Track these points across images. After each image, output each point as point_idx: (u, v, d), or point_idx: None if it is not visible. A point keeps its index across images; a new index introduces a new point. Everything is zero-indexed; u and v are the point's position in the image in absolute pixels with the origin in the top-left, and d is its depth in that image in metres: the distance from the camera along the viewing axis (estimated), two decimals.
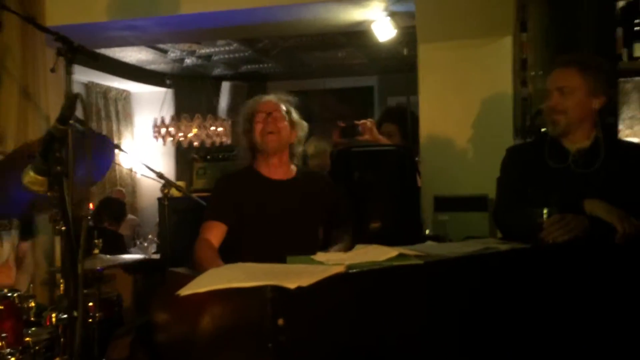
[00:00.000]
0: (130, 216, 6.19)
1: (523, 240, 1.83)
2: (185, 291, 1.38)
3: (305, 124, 2.44)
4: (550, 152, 2.09)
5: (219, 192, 2.37)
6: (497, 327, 1.59)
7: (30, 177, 1.29)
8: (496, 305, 1.59)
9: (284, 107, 2.38)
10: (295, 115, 2.41)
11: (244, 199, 2.28)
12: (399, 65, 5.31)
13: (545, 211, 1.89)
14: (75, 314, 1.09)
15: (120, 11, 3.48)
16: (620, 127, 4.25)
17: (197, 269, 2.03)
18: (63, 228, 1.45)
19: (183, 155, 7.04)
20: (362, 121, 3.11)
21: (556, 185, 2.00)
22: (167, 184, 2.73)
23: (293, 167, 2.42)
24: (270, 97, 2.41)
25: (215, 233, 2.23)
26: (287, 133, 2.34)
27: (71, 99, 1.28)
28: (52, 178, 1.26)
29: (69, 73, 1.85)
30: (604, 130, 2.09)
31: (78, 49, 1.84)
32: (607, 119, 2.46)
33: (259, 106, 2.36)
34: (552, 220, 1.87)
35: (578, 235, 1.84)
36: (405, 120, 3.28)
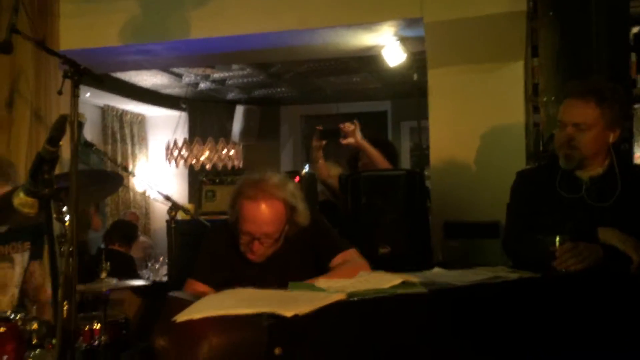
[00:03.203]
0: (142, 238, 6.20)
1: (534, 269, 1.77)
2: (181, 317, 1.35)
3: (308, 214, 2.04)
4: (562, 181, 2.03)
5: (209, 253, 2.11)
6: (505, 358, 1.53)
7: (21, 199, 1.28)
8: (504, 336, 1.53)
9: (281, 210, 1.95)
10: (298, 206, 2.00)
11: (231, 271, 2.03)
12: (412, 90, 5.30)
13: (557, 239, 1.84)
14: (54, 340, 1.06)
15: (132, 36, 3.52)
16: (638, 153, 4.18)
17: None
18: (70, 249, 1.45)
19: (196, 178, 7.06)
20: (346, 123, 2.99)
21: (568, 215, 1.94)
22: (174, 206, 2.72)
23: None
24: (267, 205, 1.93)
25: (201, 290, 1.99)
26: (272, 249, 2.01)
27: (60, 121, 1.27)
28: (41, 200, 1.24)
29: (75, 95, 1.86)
30: (618, 158, 2.02)
31: (84, 71, 1.85)
32: (622, 145, 2.40)
33: (249, 225, 1.94)
34: (565, 249, 1.81)
35: (591, 264, 1.79)
36: (385, 144, 3.26)
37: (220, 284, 2.00)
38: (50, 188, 1.25)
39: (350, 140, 2.98)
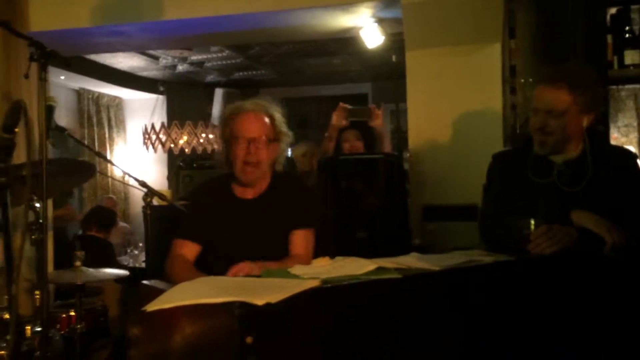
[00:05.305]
0: (121, 224, 6.13)
1: (509, 252, 1.77)
2: (152, 306, 1.33)
3: (290, 134, 2.28)
4: (534, 166, 2.03)
5: (193, 210, 2.25)
6: (479, 342, 1.53)
7: None
8: (479, 320, 1.53)
9: (267, 121, 2.19)
10: (281, 125, 2.23)
11: (216, 220, 2.17)
12: (392, 72, 5.28)
13: (532, 222, 1.84)
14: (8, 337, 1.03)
15: (104, 17, 3.43)
16: (616, 134, 4.20)
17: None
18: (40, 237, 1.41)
19: (175, 162, 6.99)
20: (374, 106, 3.11)
21: (540, 200, 1.94)
22: (149, 192, 2.67)
23: (268, 176, 2.27)
24: (255, 114, 2.19)
25: (188, 250, 2.14)
26: (267, 161, 2.19)
27: (14, 107, 1.22)
28: None
29: (42, 79, 1.81)
30: (591, 141, 2.02)
31: (51, 54, 1.80)
32: (597, 127, 2.40)
33: (242, 130, 2.16)
34: (540, 232, 1.81)
35: (566, 247, 1.79)
36: (365, 128, 3.25)
37: (205, 238, 2.16)
38: (6, 177, 1.21)
39: (378, 122, 3.08)
